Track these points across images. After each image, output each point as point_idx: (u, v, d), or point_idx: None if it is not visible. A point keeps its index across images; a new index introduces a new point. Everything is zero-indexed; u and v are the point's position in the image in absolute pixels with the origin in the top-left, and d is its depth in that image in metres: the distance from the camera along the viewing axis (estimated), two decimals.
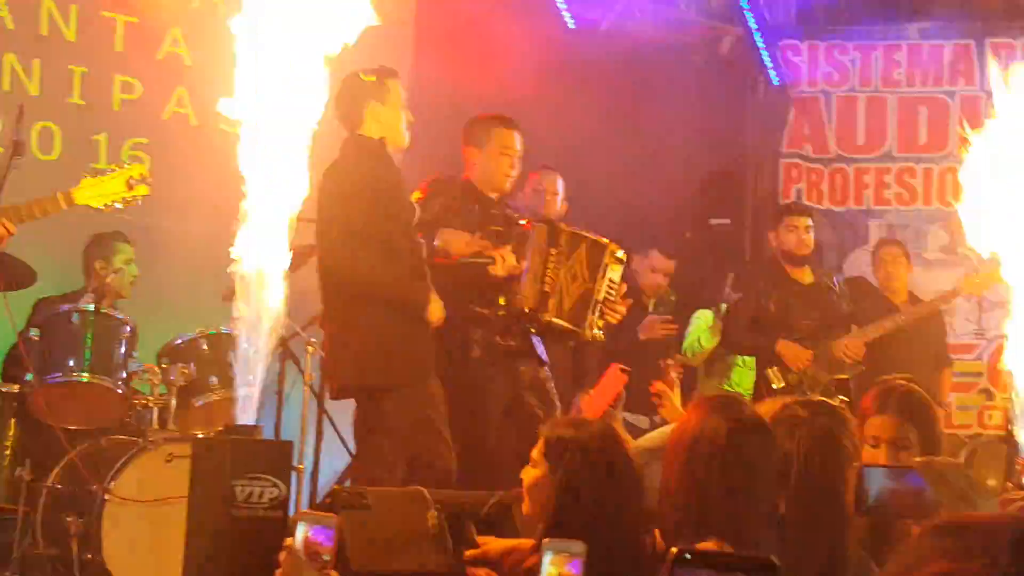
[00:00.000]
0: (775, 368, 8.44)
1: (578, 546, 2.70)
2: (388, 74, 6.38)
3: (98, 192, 6.25)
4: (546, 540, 2.76)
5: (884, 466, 3.81)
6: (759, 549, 3.21)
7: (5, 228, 5.95)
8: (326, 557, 2.99)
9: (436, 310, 6.17)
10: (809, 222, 8.81)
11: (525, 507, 4.00)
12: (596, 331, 6.89)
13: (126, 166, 6.51)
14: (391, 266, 6.12)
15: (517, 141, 6.97)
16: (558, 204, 7.87)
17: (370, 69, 6.33)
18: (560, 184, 7.95)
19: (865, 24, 11.34)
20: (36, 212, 6.13)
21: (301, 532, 3.05)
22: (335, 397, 6.46)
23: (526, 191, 7.76)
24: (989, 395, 10.74)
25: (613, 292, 6.93)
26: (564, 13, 10.61)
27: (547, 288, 6.75)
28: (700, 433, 3.49)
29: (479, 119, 7.05)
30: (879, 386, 4.74)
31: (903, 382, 4.87)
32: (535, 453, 3.93)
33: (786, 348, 8.42)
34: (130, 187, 6.22)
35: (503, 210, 6.99)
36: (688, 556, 1.35)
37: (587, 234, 6.97)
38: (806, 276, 8.73)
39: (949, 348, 9.57)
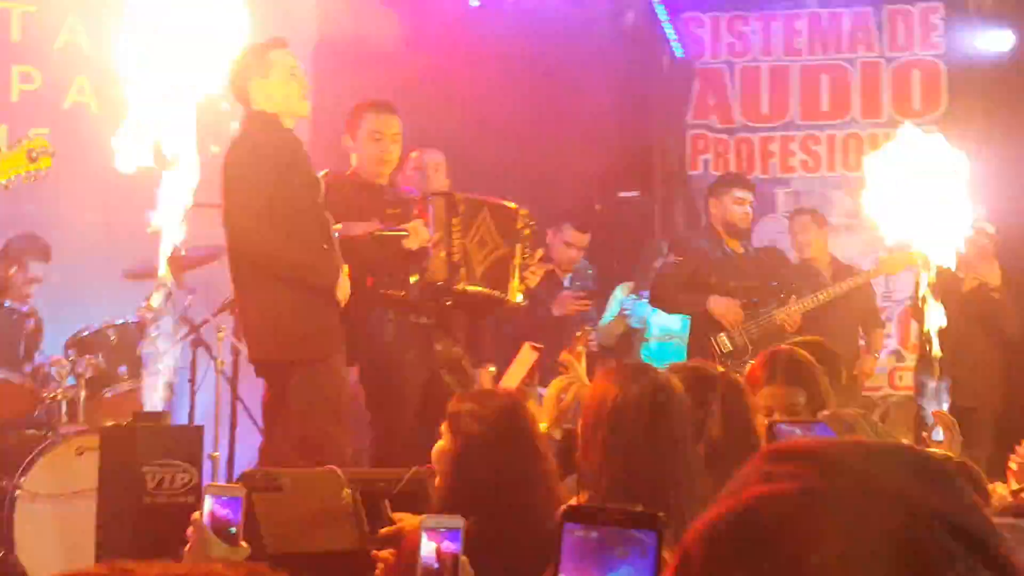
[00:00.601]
0: (722, 335, 8.50)
1: (456, 520, 2.72)
2: (272, 47, 6.28)
3: (1, 168, 6.17)
4: (424, 516, 2.79)
5: (794, 421, 3.90)
6: (687, 509, 3.27)
7: None
8: (233, 530, 2.97)
9: (345, 288, 6.14)
10: (752, 197, 8.91)
11: (436, 480, 4.04)
12: (509, 292, 6.92)
13: (23, 139, 6.44)
14: (296, 242, 6.08)
15: (389, 124, 6.91)
16: (441, 180, 7.83)
17: (255, 44, 6.27)
18: (441, 160, 7.93)
19: None
20: None
21: (208, 506, 3.02)
22: (258, 373, 6.41)
23: (408, 171, 7.70)
24: (899, 357, 10.90)
25: (528, 254, 6.98)
26: None
27: (455, 258, 6.74)
28: (622, 401, 3.54)
29: (354, 108, 7.01)
30: (764, 356, 4.85)
31: (785, 349, 4.99)
32: (442, 427, 3.98)
33: (716, 303, 8.47)
34: (32, 159, 6.15)
35: (395, 193, 6.98)
36: (577, 512, 1.38)
37: (486, 199, 6.98)
38: (739, 247, 8.82)
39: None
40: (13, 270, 7.48)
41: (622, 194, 10.85)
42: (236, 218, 6.06)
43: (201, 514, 3.04)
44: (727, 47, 11.45)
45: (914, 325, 10.32)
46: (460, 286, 6.76)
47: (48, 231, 7.87)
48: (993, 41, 10.65)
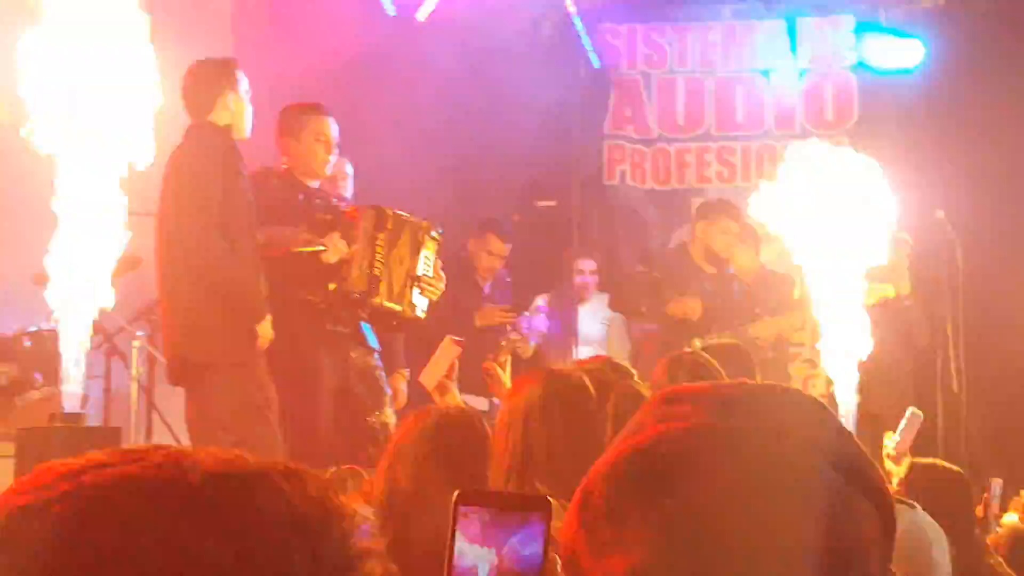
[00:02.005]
0: (696, 340, 8.62)
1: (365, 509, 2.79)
2: (237, 65, 6.44)
3: None
4: None
5: None
6: None
7: None
8: None
9: (267, 330, 6.19)
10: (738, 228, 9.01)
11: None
12: (417, 311, 6.97)
13: None
14: (239, 256, 6.15)
15: (331, 128, 7.01)
16: (350, 186, 7.88)
17: (220, 59, 6.38)
18: (349, 168, 7.97)
19: (681, 6, 11.54)
20: None
21: None
22: (177, 380, 6.41)
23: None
24: (812, 364, 11.01)
25: (429, 268, 7.03)
26: (384, 0, 10.63)
27: (377, 272, 6.81)
28: (520, 400, 3.62)
29: (292, 108, 7.09)
30: (667, 359, 4.93)
31: (687, 352, 5.08)
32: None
33: (676, 304, 8.62)
34: None
35: (327, 199, 7.03)
36: (470, 495, 1.43)
37: (411, 218, 7.04)
38: (712, 268, 8.96)
39: None
40: None
41: (540, 203, 10.90)
42: (184, 223, 6.10)
43: None
44: (643, 58, 11.54)
45: None
46: (378, 300, 6.82)
47: None
48: (904, 53, 10.80)
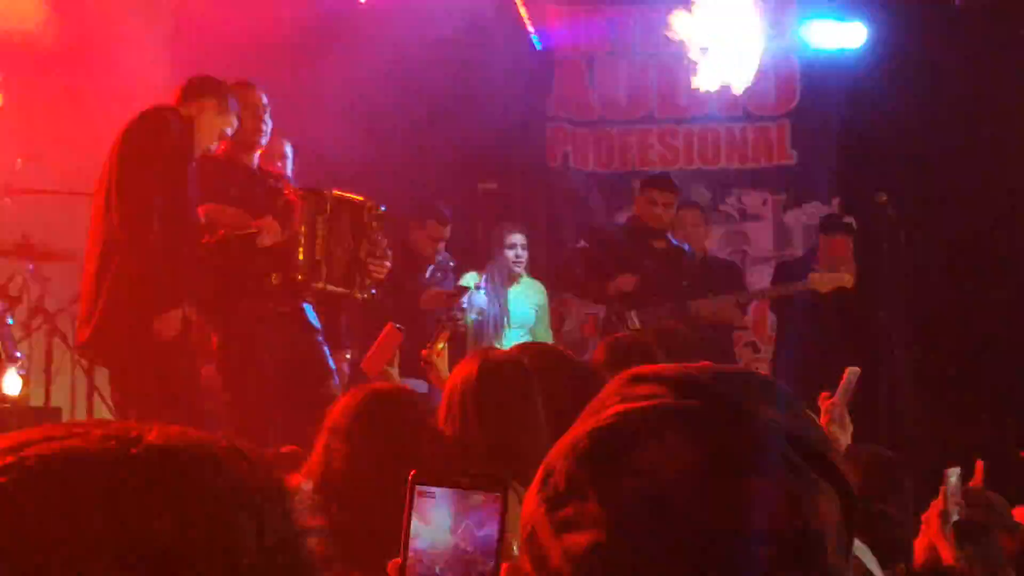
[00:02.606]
0: (632, 312, 8.65)
1: None
2: (228, 90, 6.66)
3: None
4: None
5: None
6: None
7: None
8: None
9: (168, 324, 6.15)
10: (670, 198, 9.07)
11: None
12: (362, 292, 6.97)
13: None
14: (181, 237, 6.16)
15: (260, 98, 7.05)
16: (289, 167, 7.86)
17: (215, 79, 6.49)
18: (288, 148, 7.95)
19: None
20: None
21: None
22: (83, 346, 6.39)
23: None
24: (755, 348, 11.08)
25: (375, 248, 7.02)
26: None
27: (318, 256, 6.79)
28: (457, 382, 3.66)
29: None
30: (607, 342, 4.96)
31: (626, 335, 5.11)
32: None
33: (620, 280, 8.68)
34: None
35: (265, 181, 7.01)
36: (425, 475, 1.44)
37: (351, 197, 7.04)
38: (660, 243, 8.99)
39: None
40: None
41: (481, 186, 10.89)
42: (121, 199, 6.09)
43: None
44: (586, 39, 11.55)
45: (770, 316, 10.53)
46: (320, 285, 6.81)
47: None
48: (846, 35, 10.84)
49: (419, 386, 7.67)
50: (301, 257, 6.75)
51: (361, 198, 7.06)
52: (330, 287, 6.85)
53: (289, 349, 6.83)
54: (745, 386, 1.28)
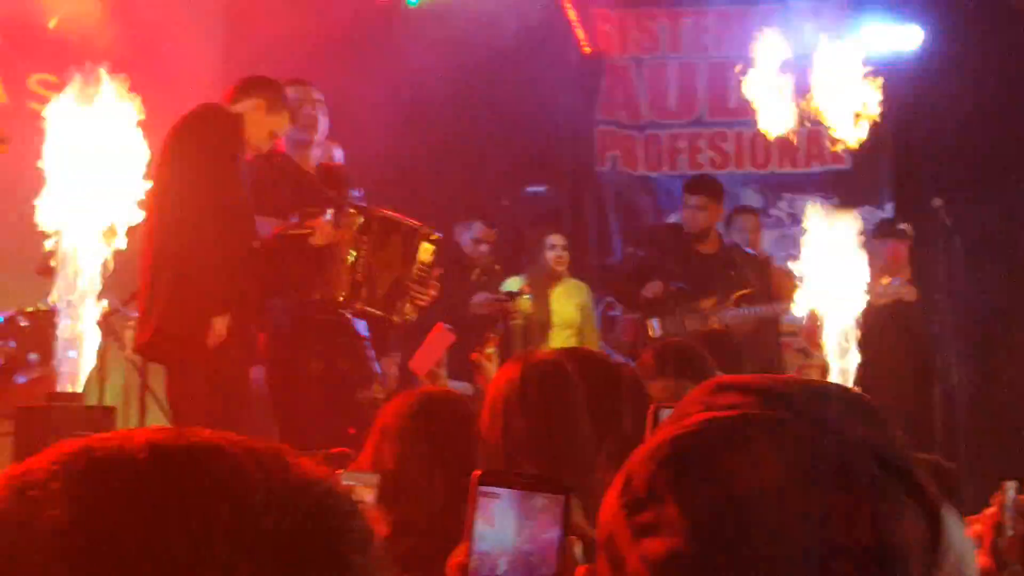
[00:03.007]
0: (652, 319, 8.64)
1: (371, 478, 2.81)
2: (282, 89, 6.68)
3: None
4: (342, 472, 2.86)
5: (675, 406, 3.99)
6: (581, 478, 3.36)
7: None
8: None
9: (221, 327, 6.17)
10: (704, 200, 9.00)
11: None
12: (407, 316, 6.95)
13: None
14: (231, 238, 6.17)
15: (310, 92, 7.12)
16: None
17: (268, 79, 6.53)
18: (339, 152, 7.97)
19: None
20: None
21: None
22: (142, 349, 6.42)
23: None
24: (806, 354, 11.01)
25: (424, 273, 7.00)
26: None
27: (359, 277, 6.77)
28: (500, 384, 3.67)
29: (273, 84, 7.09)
30: (655, 348, 4.95)
31: (676, 341, 5.09)
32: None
33: (648, 288, 8.68)
34: None
35: (316, 190, 6.99)
36: (490, 476, 1.44)
37: (401, 220, 7.01)
38: (706, 247, 8.94)
39: None
40: None
41: (529, 189, 10.91)
42: (180, 201, 6.12)
43: None
44: (635, 43, 11.53)
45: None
46: (359, 306, 6.80)
47: None
48: (901, 38, 10.77)
49: (463, 388, 7.70)
50: (343, 277, 6.73)
51: (416, 223, 7.03)
52: (369, 309, 6.85)
53: (333, 355, 6.83)
54: (832, 400, 1.27)
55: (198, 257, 6.09)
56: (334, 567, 1.01)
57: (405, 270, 6.94)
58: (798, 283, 9.38)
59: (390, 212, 7.00)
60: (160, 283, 6.15)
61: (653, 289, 8.74)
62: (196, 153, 6.18)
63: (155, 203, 6.19)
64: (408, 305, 6.93)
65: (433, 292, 7.03)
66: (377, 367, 7.15)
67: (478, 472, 1.43)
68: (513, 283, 9.21)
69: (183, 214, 6.12)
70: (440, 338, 5.67)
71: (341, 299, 6.73)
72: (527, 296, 9.02)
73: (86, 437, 1.01)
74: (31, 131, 7.88)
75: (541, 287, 9.21)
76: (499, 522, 1.42)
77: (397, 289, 6.91)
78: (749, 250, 9.09)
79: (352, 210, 6.82)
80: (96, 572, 0.93)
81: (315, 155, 7.32)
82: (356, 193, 7.19)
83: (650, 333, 8.57)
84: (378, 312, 6.87)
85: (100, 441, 1.00)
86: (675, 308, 8.63)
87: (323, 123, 7.10)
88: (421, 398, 3.82)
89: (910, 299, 8.52)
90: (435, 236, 7.09)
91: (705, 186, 9.17)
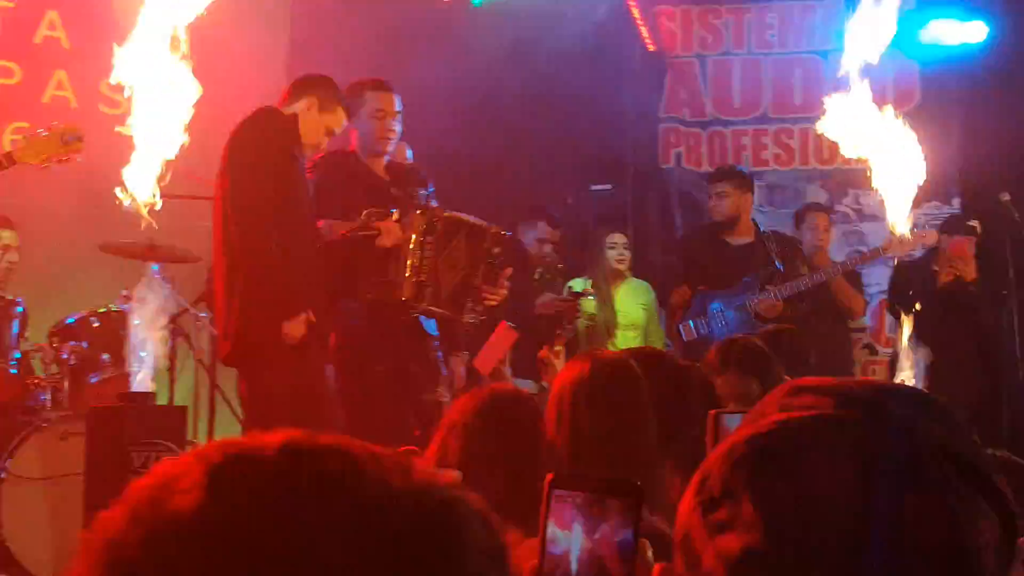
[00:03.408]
0: (688, 323, 8.66)
1: None
2: (336, 89, 6.66)
3: (35, 151, 6.24)
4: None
5: (737, 411, 3.99)
6: (643, 479, 3.38)
7: None
8: None
9: (295, 329, 6.21)
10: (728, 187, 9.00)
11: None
12: (476, 316, 6.94)
13: (56, 124, 6.49)
14: (294, 242, 6.20)
15: (392, 102, 7.02)
16: None
17: (325, 77, 6.57)
18: (410, 153, 7.99)
19: None
20: None
21: None
22: (225, 362, 6.47)
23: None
24: (872, 351, 10.97)
25: (493, 272, 6.99)
26: None
27: (423, 278, 6.76)
28: (567, 381, 3.68)
29: (350, 86, 7.08)
30: (718, 346, 4.96)
31: (740, 338, 5.09)
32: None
33: (676, 294, 8.72)
34: (65, 143, 6.23)
35: (388, 191, 7.00)
36: (563, 479, 1.46)
37: (466, 218, 6.98)
38: (733, 238, 8.94)
39: None
40: None
41: (594, 187, 10.91)
42: (236, 205, 6.16)
43: None
44: (699, 40, 11.51)
45: (888, 319, 10.42)
46: (423, 306, 6.79)
47: (28, 221, 7.94)
48: (968, 31, 10.68)
49: (528, 386, 7.72)
50: (407, 278, 6.74)
51: (483, 223, 7.03)
52: (434, 309, 6.84)
53: (401, 355, 6.84)
54: (907, 401, 1.29)
55: (264, 262, 6.11)
56: (450, 573, 1.03)
57: (472, 270, 6.92)
58: (862, 287, 9.36)
59: (457, 213, 7.00)
60: (232, 295, 6.20)
61: (679, 295, 8.77)
62: (253, 158, 6.20)
63: (220, 211, 6.25)
64: (476, 306, 6.92)
65: (503, 291, 7.02)
66: (444, 368, 7.17)
67: (551, 475, 1.45)
68: (578, 283, 9.22)
69: (245, 221, 6.16)
70: (504, 336, 5.70)
71: (404, 300, 6.73)
72: (591, 296, 9.04)
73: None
74: (103, 135, 8.00)
75: (605, 287, 9.21)
76: (572, 525, 1.44)
77: (465, 289, 6.90)
78: (768, 240, 9.02)
79: (418, 211, 6.83)
80: (224, 554, 0.98)
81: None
82: (425, 192, 7.19)
83: (684, 337, 8.58)
84: (444, 312, 6.88)
85: (239, 439, 1.07)
86: (705, 308, 8.63)
87: (396, 133, 7.09)
88: (490, 395, 3.83)
89: (930, 243, 8.53)
90: (503, 234, 7.09)
91: (725, 174, 9.22)
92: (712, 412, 3.76)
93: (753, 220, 9.05)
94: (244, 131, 6.28)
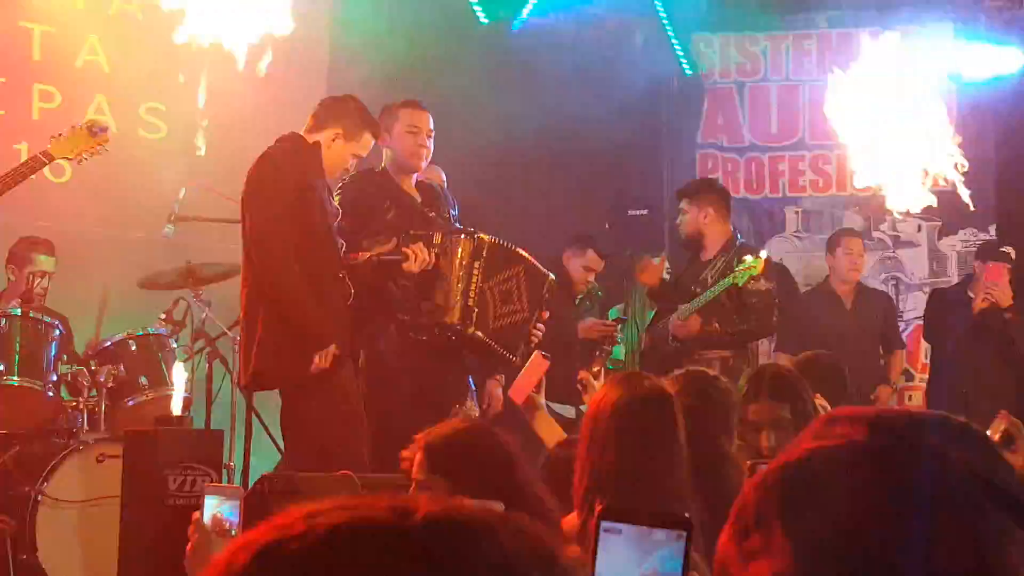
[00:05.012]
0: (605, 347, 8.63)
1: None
2: (365, 117, 6.64)
3: (68, 147, 6.29)
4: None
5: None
6: (671, 504, 3.38)
7: None
8: (233, 531, 3.05)
9: (327, 357, 6.23)
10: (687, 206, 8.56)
11: None
12: (512, 352, 6.93)
13: (80, 123, 6.53)
14: (313, 272, 6.21)
15: (424, 120, 7.03)
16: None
17: (353, 101, 6.58)
18: (443, 175, 8.01)
19: (775, 14, 11.50)
20: (18, 177, 6.13)
21: (208, 506, 3.13)
22: (245, 386, 6.48)
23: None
24: (908, 376, 10.92)
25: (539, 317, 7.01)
26: (475, 9, 10.71)
27: (471, 303, 6.77)
28: (600, 406, 3.68)
29: (389, 105, 7.12)
30: (751, 373, 4.96)
31: (770, 364, 5.08)
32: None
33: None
34: (93, 134, 6.27)
35: (424, 215, 7.01)
36: (612, 511, 1.47)
37: (523, 254, 7.00)
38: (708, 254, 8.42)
39: None
40: (9, 269, 7.60)
41: (632, 212, 10.91)
42: (260, 241, 6.19)
43: (202, 513, 3.14)
44: (736, 67, 11.52)
45: (924, 344, 10.38)
46: (471, 331, 6.79)
47: (66, 243, 8.00)
48: (1001, 61, 10.66)
49: (564, 411, 7.72)
50: (455, 301, 6.74)
51: (539, 266, 7.02)
52: (481, 336, 6.82)
53: (431, 376, 6.83)
54: (940, 429, 1.29)
55: (287, 296, 6.15)
56: None
57: (527, 315, 6.93)
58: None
59: (500, 240, 7.01)
60: (254, 325, 6.21)
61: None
62: (271, 196, 6.21)
63: (244, 243, 6.30)
64: (528, 347, 6.89)
65: (542, 328, 7.02)
66: (471, 381, 7.17)
67: (599, 507, 1.46)
68: (618, 310, 9.24)
69: (265, 254, 6.19)
70: (537, 365, 5.71)
71: (451, 323, 6.73)
72: (627, 322, 9.04)
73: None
74: (143, 158, 8.10)
75: (641, 311, 9.18)
76: (621, 558, 1.44)
77: (520, 332, 6.92)
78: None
79: (463, 236, 6.83)
80: None
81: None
82: (454, 213, 7.22)
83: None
84: (495, 347, 6.82)
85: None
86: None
87: (428, 151, 7.11)
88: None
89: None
90: (551, 278, 7.10)
91: (682, 191, 8.73)
92: (747, 463, 3.75)
93: (732, 235, 8.50)
94: (264, 164, 6.30)
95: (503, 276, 6.86)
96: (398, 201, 6.93)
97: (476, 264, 6.76)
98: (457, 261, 6.72)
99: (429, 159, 7.14)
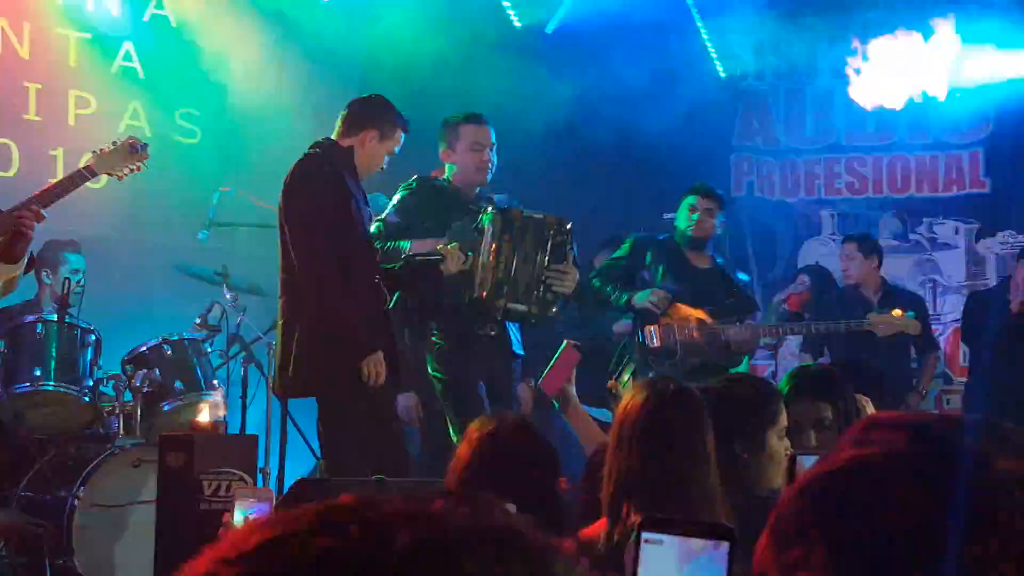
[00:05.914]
0: (650, 328, 8.47)
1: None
2: (396, 116, 6.60)
3: (109, 163, 6.31)
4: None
5: (814, 451, 3.96)
6: (697, 508, 3.38)
7: (36, 214, 5.94)
8: None
9: (372, 367, 6.23)
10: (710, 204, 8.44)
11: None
12: (547, 309, 6.94)
13: (120, 139, 6.56)
14: (341, 293, 6.21)
15: (487, 135, 7.07)
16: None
17: (384, 102, 6.57)
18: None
19: (811, 16, 11.46)
20: (63, 191, 6.16)
21: (239, 508, 3.14)
22: (284, 391, 6.48)
23: None
24: (947, 379, 10.87)
25: (560, 259, 6.96)
26: (509, 12, 10.71)
27: (501, 275, 6.82)
28: (627, 411, 3.67)
29: (448, 120, 7.16)
30: (792, 373, 4.94)
31: (810, 364, 5.06)
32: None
33: (645, 296, 8.18)
34: (133, 151, 6.30)
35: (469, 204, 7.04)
36: (653, 522, 1.45)
37: (534, 215, 7.01)
38: (702, 261, 8.45)
39: None
40: (44, 273, 7.59)
41: (666, 216, 10.88)
42: (300, 248, 6.21)
43: (232, 517, 3.15)
44: (772, 69, 11.49)
45: (963, 347, 10.32)
46: (501, 303, 6.83)
47: (101, 248, 8.04)
48: None
49: (603, 415, 7.70)
50: (486, 277, 6.77)
51: (542, 215, 7.04)
52: (511, 305, 6.87)
53: (485, 372, 6.90)
54: (983, 435, 1.27)
55: (328, 303, 6.15)
56: None
57: (541, 261, 6.92)
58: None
59: (528, 212, 7.01)
60: (292, 331, 6.22)
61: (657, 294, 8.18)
62: (306, 201, 6.23)
63: (283, 249, 6.31)
64: (547, 294, 6.90)
65: (574, 273, 6.99)
66: (517, 389, 7.20)
67: (639, 518, 1.44)
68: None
69: (305, 261, 6.19)
70: (568, 356, 5.69)
71: (483, 296, 6.77)
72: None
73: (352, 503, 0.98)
74: (178, 164, 8.11)
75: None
76: (662, 569, 1.43)
77: (535, 280, 6.92)
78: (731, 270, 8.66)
79: (495, 211, 6.86)
80: None
81: None
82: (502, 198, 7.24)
83: (647, 342, 8.38)
84: (522, 307, 6.88)
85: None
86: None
87: (491, 165, 7.12)
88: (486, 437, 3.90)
89: (914, 333, 8.17)
90: (566, 226, 7.04)
91: (704, 188, 8.65)
92: (789, 454, 3.73)
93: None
94: (296, 173, 6.32)
95: (525, 242, 6.88)
96: (452, 210, 6.97)
97: (506, 237, 6.83)
98: (489, 238, 6.77)
99: (493, 172, 7.17)
